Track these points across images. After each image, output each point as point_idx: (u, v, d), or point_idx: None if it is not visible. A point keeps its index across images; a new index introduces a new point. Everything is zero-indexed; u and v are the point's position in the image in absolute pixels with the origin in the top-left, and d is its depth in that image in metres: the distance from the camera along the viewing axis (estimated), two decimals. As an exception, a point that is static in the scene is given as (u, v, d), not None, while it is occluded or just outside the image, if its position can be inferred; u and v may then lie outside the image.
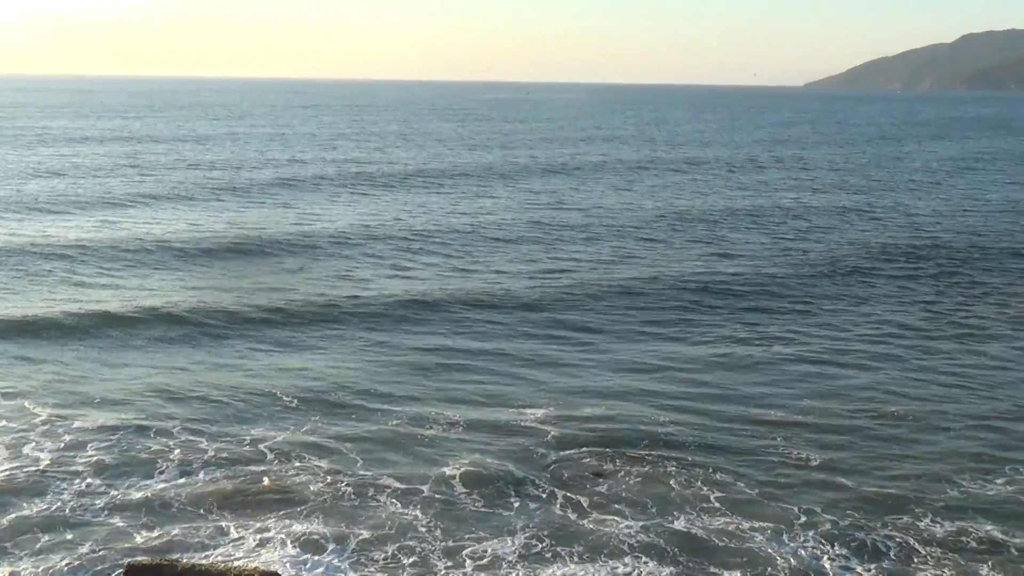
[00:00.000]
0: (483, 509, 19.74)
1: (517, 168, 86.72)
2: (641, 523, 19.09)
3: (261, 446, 22.52)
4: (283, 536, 18.28)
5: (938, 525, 19.16)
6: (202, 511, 19.20)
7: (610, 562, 17.63)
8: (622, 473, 21.50)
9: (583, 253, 46.42)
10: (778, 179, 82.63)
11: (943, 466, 21.99)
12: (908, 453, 22.74)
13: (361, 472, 21.35)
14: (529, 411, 25.16)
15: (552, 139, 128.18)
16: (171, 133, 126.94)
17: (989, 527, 19.08)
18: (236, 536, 18.28)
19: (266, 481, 20.65)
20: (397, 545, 18.12)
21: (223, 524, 18.70)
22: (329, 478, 20.88)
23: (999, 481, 21.27)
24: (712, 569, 17.48)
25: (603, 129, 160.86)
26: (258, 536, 18.29)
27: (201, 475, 20.87)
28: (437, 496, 20.23)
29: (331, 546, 18.02)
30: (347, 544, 18.09)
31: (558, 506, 19.86)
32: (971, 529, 18.98)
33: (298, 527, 18.63)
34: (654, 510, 19.67)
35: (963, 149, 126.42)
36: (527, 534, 18.58)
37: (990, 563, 17.75)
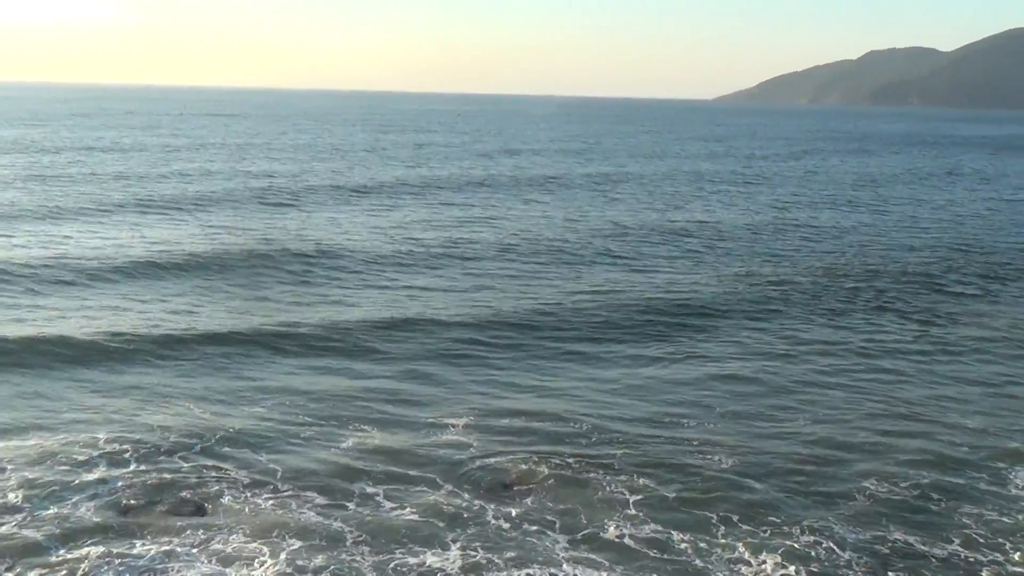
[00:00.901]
0: (414, 521, 19.78)
1: (427, 182, 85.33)
2: (573, 532, 19.40)
3: (183, 464, 22.21)
4: (199, 552, 18.12)
5: (853, 532, 19.82)
6: (117, 529, 18.92)
7: (549, 570, 17.91)
8: (548, 482, 21.77)
9: (487, 272, 45.52)
10: (690, 193, 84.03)
11: (850, 475, 22.74)
12: (819, 461, 23.41)
13: (282, 487, 21.24)
14: (451, 422, 25.37)
15: (459, 154, 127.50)
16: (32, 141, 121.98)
17: (900, 533, 19.82)
18: (149, 553, 18.07)
19: (186, 495, 20.41)
20: (327, 558, 18.10)
21: (136, 541, 18.46)
22: (249, 493, 20.74)
23: (903, 485, 22.09)
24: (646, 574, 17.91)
25: (518, 141, 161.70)
26: (176, 552, 18.12)
27: (123, 493, 20.57)
28: (364, 511, 20.21)
29: (256, 562, 17.93)
30: (275, 559, 18.02)
31: (489, 516, 20.00)
32: (884, 535, 19.70)
33: (218, 544, 18.45)
34: (583, 519, 19.97)
35: (899, 163, 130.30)
36: (460, 545, 18.70)
37: (903, 567, 18.47)
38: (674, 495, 21.31)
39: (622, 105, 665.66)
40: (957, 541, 19.55)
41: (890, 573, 18.29)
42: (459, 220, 61.73)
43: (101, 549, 18.04)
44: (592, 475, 22.21)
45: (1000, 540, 19.63)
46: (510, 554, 18.46)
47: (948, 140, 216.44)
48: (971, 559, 18.87)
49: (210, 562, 17.83)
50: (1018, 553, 19.09)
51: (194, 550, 18.19)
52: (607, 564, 18.24)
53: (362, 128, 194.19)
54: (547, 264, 47.40)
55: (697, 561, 18.44)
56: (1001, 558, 18.93)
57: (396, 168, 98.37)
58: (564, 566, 18.11)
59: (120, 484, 20.84)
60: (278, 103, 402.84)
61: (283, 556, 18.14)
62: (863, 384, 29.32)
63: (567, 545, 18.91)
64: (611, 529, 19.62)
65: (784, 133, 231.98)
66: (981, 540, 19.62)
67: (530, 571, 17.93)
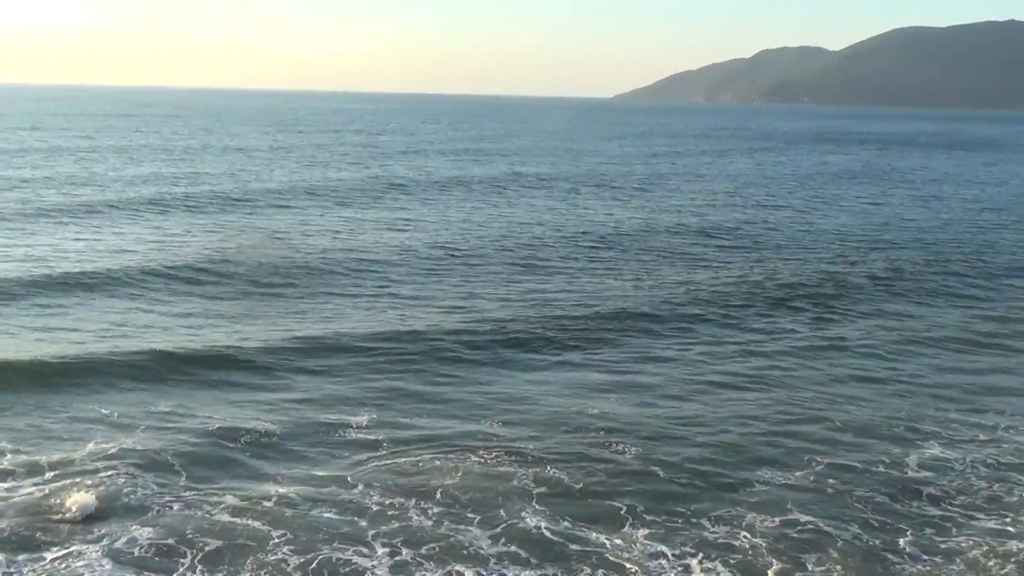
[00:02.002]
0: (333, 520, 19.94)
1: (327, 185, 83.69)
2: (493, 527, 19.78)
3: (89, 462, 22.01)
4: (103, 557, 18.00)
5: (762, 519, 20.61)
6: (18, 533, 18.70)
7: (476, 567, 18.24)
8: (462, 477, 22.12)
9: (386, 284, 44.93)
10: (593, 197, 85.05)
11: (754, 465, 23.61)
12: (724, 453, 24.22)
13: (195, 487, 21.25)
14: (358, 420, 25.55)
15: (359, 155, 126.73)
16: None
17: (809, 518, 20.74)
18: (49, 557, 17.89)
19: (92, 499, 20.09)
20: (253, 561, 18.15)
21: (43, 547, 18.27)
22: (162, 491, 20.73)
23: (806, 473, 23.10)
24: (571, 568, 18.35)
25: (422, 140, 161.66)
26: (83, 553, 18.00)
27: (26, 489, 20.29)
28: (285, 511, 20.26)
29: (177, 564, 17.93)
30: (193, 562, 18.03)
31: (411, 512, 20.25)
32: (794, 520, 20.59)
33: (127, 547, 18.36)
34: (502, 513, 20.35)
35: (815, 161, 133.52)
36: (383, 542, 18.92)
37: (813, 550, 19.34)
38: (586, 487, 21.85)
39: (522, 104, 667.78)
40: (856, 525, 20.47)
41: (802, 556, 19.11)
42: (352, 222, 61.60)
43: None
44: (505, 469, 22.63)
45: (899, 524, 20.65)
46: (434, 551, 18.75)
47: (856, 137, 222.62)
48: (872, 541, 19.79)
49: (124, 566, 17.72)
50: (910, 532, 20.17)
51: (103, 556, 18.03)
52: (530, 559, 18.64)
53: (255, 128, 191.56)
54: (443, 267, 47.17)
55: (615, 553, 18.95)
56: (898, 539, 19.93)
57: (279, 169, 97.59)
58: (491, 563, 18.43)
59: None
60: (199, 103, 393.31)
61: (200, 557, 18.20)
62: (767, 381, 30.09)
63: (490, 540, 19.25)
64: (530, 522, 20.05)
65: (700, 131, 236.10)
66: (876, 524, 20.58)
67: (458, 567, 18.23)
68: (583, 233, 58.68)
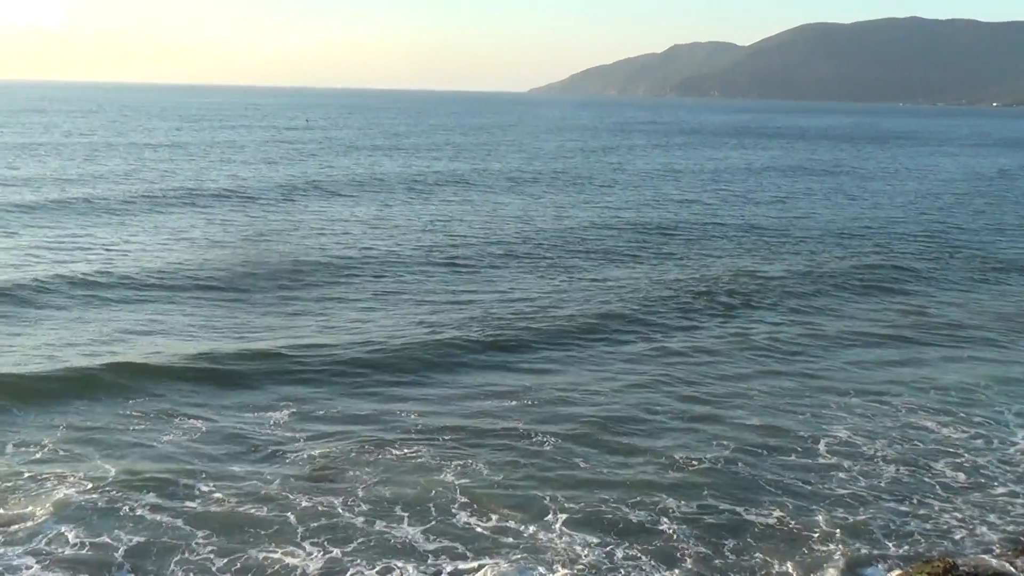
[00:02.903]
0: (261, 516, 20.01)
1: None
2: (423, 523, 20.10)
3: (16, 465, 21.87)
4: (25, 555, 18.00)
5: (679, 503, 21.34)
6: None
7: (411, 561, 18.54)
8: (387, 473, 22.42)
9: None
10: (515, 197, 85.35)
11: (672, 453, 24.40)
12: (638, 442, 25.01)
13: (115, 480, 21.33)
14: (277, 416, 25.82)
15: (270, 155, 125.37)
16: None
17: (724, 504, 21.50)
18: None
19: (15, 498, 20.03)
20: (180, 560, 18.22)
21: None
22: (82, 498, 20.58)
23: (711, 457, 24.01)
24: (503, 559, 18.73)
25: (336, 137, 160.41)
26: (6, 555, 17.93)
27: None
28: (211, 507, 20.38)
29: (100, 567, 17.92)
30: (120, 561, 18.07)
31: (338, 508, 20.47)
32: (711, 506, 21.36)
33: (51, 547, 18.37)
34: (431, 507, 20.68)
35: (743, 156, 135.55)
36: (311, 540, 19.08)
37: (731, 535, 20.10)
38: (509, 480, 22.36)
39: (439, 98, 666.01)
40: (771, 509, 21.34)
41: (720, 540, 19.84)
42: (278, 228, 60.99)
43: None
44: (428, 463, 23.04)
45: (811, 506, 21.56)
46: (364, 548, 19.01)
47: (782, 132, 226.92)
48: (787, 524, 20.62)
49: (49, 567, 17.70)
50: (822, 514, 21.09)
51: (26, 555, 18.01)
52: (466, 552, 19.02)
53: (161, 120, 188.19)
54: (344, 268, 46.37)
55: (542, 543, 19.45)
56: (812, 521, 20.81)
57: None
58: (429, 559, 18.74)
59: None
60: (132, 99, 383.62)
61: (121, 554, 18.29)
62: (679, 376, 30.62)
63: (421, 535, 19.59)
64: (460, 516, 20.43)
65: (620, 127, 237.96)
66: (790, 507, 21.46)
67: (393, 563, 18.51)
68: (499, 235, 59.04)
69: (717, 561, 19.13)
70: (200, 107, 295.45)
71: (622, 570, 18.60)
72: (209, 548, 18.72)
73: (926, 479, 23.27)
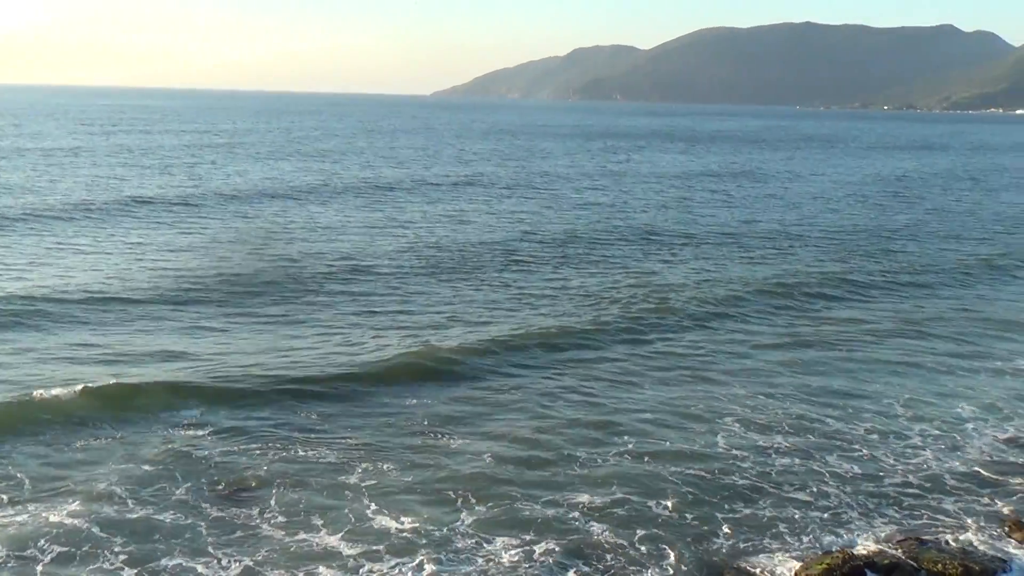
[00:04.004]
0: (170, 524, 20.05)
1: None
2: (339, 528, 20.31)
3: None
4: None
5: (589, 498, 22.01)
6: None
7: (331, 567, 18.72)
8: (300, 478, 22.61)
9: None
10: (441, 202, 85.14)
11: (574, 449, 25.14)
12: (544, 439, 25.68)
13: (31, 489, 21.26)
14: (188, 421, 25.89)
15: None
16: None
17: (633, 496, 22.21)
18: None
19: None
20: (91, 569, 18.17)
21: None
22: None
23: (617, 456, 24.73)
24: (422, 558, 19.15)
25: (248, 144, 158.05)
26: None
27: None
28: (126, 515, 20.35)
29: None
30: (35, 571, 17.94)
31: (254, 517, 20.57)
32: (620, 499, 22.04)
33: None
34: (347, 512, 20.88)
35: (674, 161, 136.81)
36: (224, 551, 19.10)
37: (640, 526, 20.76)
38: (420, 480, 22.77)
39: (339, 101, 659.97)
40: (675, 499, 22.16)
41: (631, 531, 20.54)
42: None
43: None
44: (341, 470, 23.23)
45: (714, 497, 22.41)
46: (281, 555, 19.12)
47: (703, 136, 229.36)
48: (693, 515, 21.44)
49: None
50: (725, 505, 21.85)
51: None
52: (384, 554, 19.31)
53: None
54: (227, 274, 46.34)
55: (458, 540, 19.91)
56: (716, 512, 21.63)
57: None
58: (350, 563, 18.96)
59: None
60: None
61: (40, 568, 18.17)
62: (580, 379, 31.25)
63: (337, 540, 19.80)
64: (374, 518, 20.71)
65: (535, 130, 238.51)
66: (692, 498, 22.31)
67: (313, 569, 18.68)
68: (402, 246, 59.11)
69: (631, 552, 19.78)
70: (97, 109, 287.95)
71: (539, 565, 19.10)
72: (123, 557, 18.70)
73: (823, 472, 24.29)
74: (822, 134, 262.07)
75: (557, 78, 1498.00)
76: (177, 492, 21.67)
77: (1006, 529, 21.18)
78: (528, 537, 20.18)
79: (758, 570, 19.28)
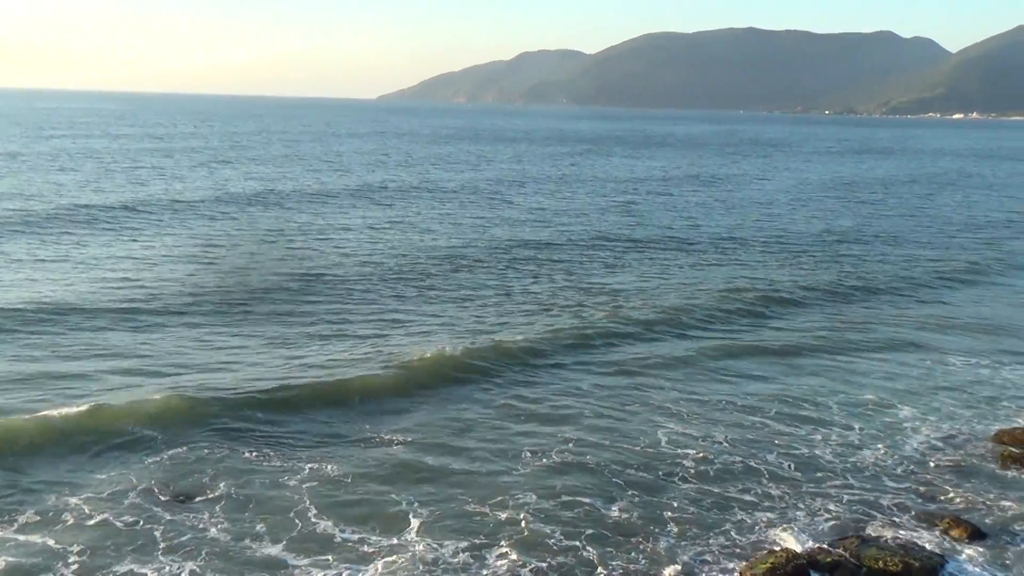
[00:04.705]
0: (127, 532, 19.98)
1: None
2: (287, 532, 20.39)
3: None
4: None
5: (536, 499, 22.27)
6: None
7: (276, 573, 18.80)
8: (242, 480, 22.71)
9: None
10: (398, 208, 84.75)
11: (516, 450, 25.42)
12: (487, 446, 25.83)
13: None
14: (130, 424, 25.69)
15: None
16: None
17: (581, 497, 22.48)
18: None
19: None
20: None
21: None
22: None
23: (559, 457, 25.04)
24: (368, 566, 19.18)
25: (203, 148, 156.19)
26: None
27: None
28: (82, 522, 20.31)
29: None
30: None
31: (204, 524, 20.55)
32: (568, 501, 22.26)
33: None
34: (292, 517, 20.97)
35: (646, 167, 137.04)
36: (175, 556, 19.07)
37: (588, 526, 20.99)
38: (365, 487, 22.85)
39: (293, 104, 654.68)
40: (622, 500, 22.48)
41: (580, 530, 20.76)
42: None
43: None
44: (286, 476, 23.24)
45: (658, 497, 22.81)
46: (229, 562, 19.10)
47: (653, 140, 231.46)
48: (636, 515, 21.75)
49: None
50: (670, 505, 22.18)
51: None
52: (331, 560, 19.35)
53: None
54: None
55: (405, 547, 20.01)
56: (662, 512, 21.94)
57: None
58: (296, 571, 18.99)
59: None
60: None
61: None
62: (522, 386, 31.45)
63: (283, 548, 19.80)
64: (319, 525, 20.73)
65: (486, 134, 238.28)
66: (638, 499, 22.68)
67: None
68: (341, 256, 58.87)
69: (582, 553, 20.01)
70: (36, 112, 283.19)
71: (491, 569, 19.26)
72: (76, 566, 18.65)
73: (766, 472, 24.76)
74: (768, 139, 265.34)
75: (503, 82, 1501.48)
76: (130, 497, 21.62)
77: (945, 526, 21.68)
78: (479, 541, 20.32)
79: (705, 569, 19.58)
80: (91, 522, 20.36)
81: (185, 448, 24.73)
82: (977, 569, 19.89)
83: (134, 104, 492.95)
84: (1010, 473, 25.13)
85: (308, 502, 21.82)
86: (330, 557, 19.45)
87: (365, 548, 19.87)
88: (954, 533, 21.38)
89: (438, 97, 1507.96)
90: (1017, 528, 21.86)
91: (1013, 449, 26.52)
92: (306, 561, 19.30)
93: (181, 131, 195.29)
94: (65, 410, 25.86)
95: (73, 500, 21.34)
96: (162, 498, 21.73)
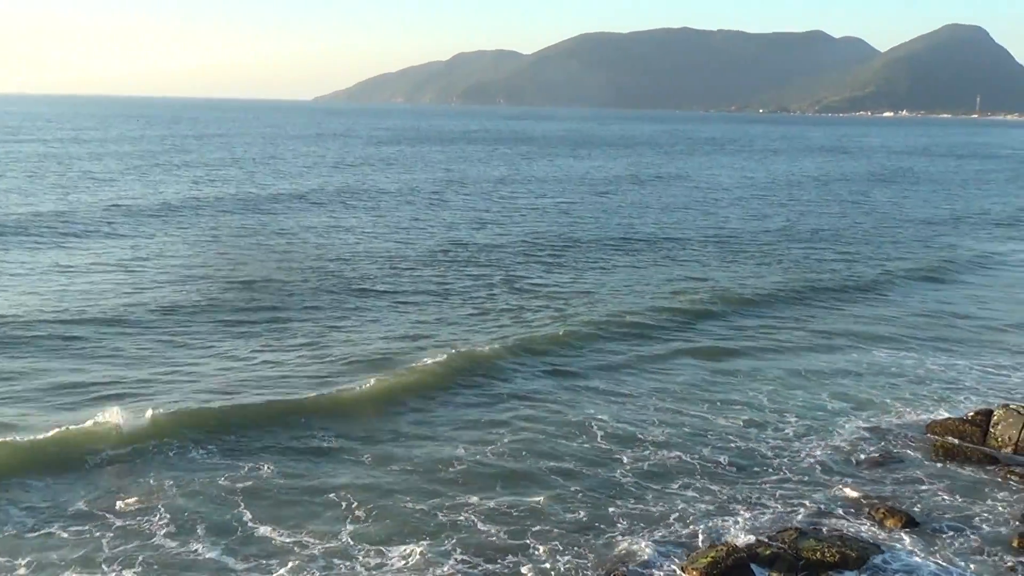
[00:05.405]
0: (69, 540, 19.87)
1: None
2: (226, 535, 20.41)
3: None
4: None
5: (477, 500, 22.48)
6: None
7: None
8: (181, 487, 22.67)
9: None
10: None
11: (451, 449, 25.59)
12: (427, 447, 26.07)
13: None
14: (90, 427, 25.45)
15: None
16: None
17: (524, 499, 22.66)
18: None
19: None
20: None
21: None
22: None
23: (493, 458, 25.22)
24: (305, 568, 19.27)
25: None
26: None
27: None
28: (23, 532, 20.19)
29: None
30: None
31: (150, 528, 20.52)
32: (512, 501, 22.48)
33: None
34: (230, 519, 21.03)
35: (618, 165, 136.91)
36: (121, 562, 19.04)
37: (532, 523, 21.27)
38: (302, 487, 23.00)
39: (219, 107, 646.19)
40: (564, 497, 22.83)
41: (525, 529, 20.99)
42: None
43: None
44: (225, 479, 23.29)
45: (599, 493, 23.14)
46: (171, 567, 19.03)
47: (593, 140, 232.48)
48: (580, 511, 22.06)
49: None
50: (612, 500, 22.45)
51: None
52: (269, 564, 19.39)
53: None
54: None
55: (341, 550, 20.12)
56: (606, 509, 22.29)
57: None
58: (237, 574, 19.01)
59: None
60: None
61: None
62: (467, 387, 31.67)
63: (223, 551, 19.79)
64: (259, 529, 20.80)
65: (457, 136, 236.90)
66: (581, 495, 23.00)
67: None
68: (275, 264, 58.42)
69: (529, 552, 20.24)
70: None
71: (436, 568, 19.40)
72: (20, 573, 18.55)
73: (703, 466, 25.24)
74: (707, 138, 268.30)
75: (440, 82, 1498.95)
76: (77, 505, 21.55)
77: (880, 516, 22.20)
78: (424, 543, 20.43)
79: (648, 564, 19.88)
80: (34, 535, 20.16)
81: (130, 459, 24.51)
82: (911, 557, 20.42)
83: (65, 107, 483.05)
84: (941, 463, 25.80)
85: (248, 508, 21.76)
86: (273, 562, 19.44)
87: (305, 551, 19.90)
88: (889, 523, 21.92)
89: (375, 98, 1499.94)
90: (949, 516, 22.49)
91: (946, 439, 27.22)
92: (246, 565, 19.29)
93: (115, 135, 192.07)
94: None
95: (13, 511, 21.15)
96: (108, 508, 21.55)
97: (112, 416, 25.66)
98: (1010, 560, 20.38)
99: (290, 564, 19.36)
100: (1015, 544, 21.05)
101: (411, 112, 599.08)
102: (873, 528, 21.74)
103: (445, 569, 19.39)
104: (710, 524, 21.78)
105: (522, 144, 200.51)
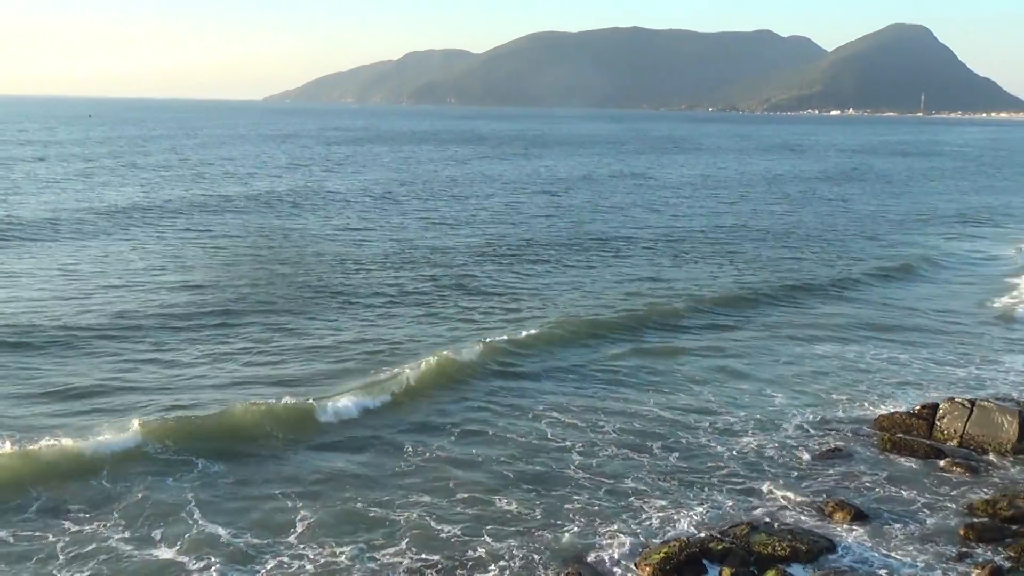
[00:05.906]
0: (10, 543, 19.70)
1: None
2: (179, 537, 20.31)
3: None
4: None
5: (429, 498, 22.46)
6: None
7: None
8: (135, 490, 22.55)
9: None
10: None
11: (402, 446, 25.46)
12: (378, 447, 26.15)
13: None
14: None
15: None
16: None
17: (475, 495, 22.70)
18: None
19: None
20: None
21: None
22: None
23: (443, 454, 25.21)
24: (263, 570, 19.23)
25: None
26: None
27: None
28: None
29: None
30: None
31: (103, 531, 20.38)
32: (460, 499, 22.49)
33: None
34: (185, 520, 20.83)
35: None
36: (74, 567, 18.91)
37: (489, 522, 21.27)
38: (254, 490, 22.93)
39: (166, 107, 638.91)
40: (517, 494, 22.85)
41: (480, 526, 21.00)
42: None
43: None
44: (173, 482, 23.20)
45: (553, 489, 23.15)
46: (127, 570, 18.93)
47: (545, 140, 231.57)
48: (533, 508, 22.08)
49: None
50: (565, 496, 22.52)
51: None
52: (226, 567, 19.28)
53: None
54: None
55: (299, 550, 20.06)
56: (560, 504, 22.31)
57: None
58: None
59: None
60: None
61: None
62: (419, 389, 31.41)
63: (175, 551, 19.74)
64: (214, 530, 20.67)
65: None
66: (533, 492, 23.05)
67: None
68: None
69: (483, 548, 20.32)
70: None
71: (389, 566, 19.42)
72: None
73: (654, 462, 25.44)
74: (661, 136, 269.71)
75: (391, 82, 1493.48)
76: (33, 508, 21.46)
77: (829, 509, 22.48)
78: (377, 542, 20.44)
79: (601, 560, 20.00)
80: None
81: (84, 468, 24.09)
82: (861, 550, 20.70)
83: (10, 108, 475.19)
84: (889, 456, 26.17)
85: (202, 510, 21.62)
86: (220, 560, 19.41)
87: (256, 552, 19.83)
88: (838, 516, 22.20)
89: (325, 98, 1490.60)
90: (897, 509, 22.85)
91: (893, 433, 27.60)
92: (199, 565, 19.20)
93: (60, 137, 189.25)
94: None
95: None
96: (63, 512, 21.39)
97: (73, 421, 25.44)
98: (956, 550, 20.72)
99: (244, 565, 19.25)
100: (961, 534, 21.42)
101: (361, 112, 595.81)
102: (823, 522, 22.03)
103: (396, 566, 19.37)
104: (663, 520, 21.94)
105: (472, 144, 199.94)
